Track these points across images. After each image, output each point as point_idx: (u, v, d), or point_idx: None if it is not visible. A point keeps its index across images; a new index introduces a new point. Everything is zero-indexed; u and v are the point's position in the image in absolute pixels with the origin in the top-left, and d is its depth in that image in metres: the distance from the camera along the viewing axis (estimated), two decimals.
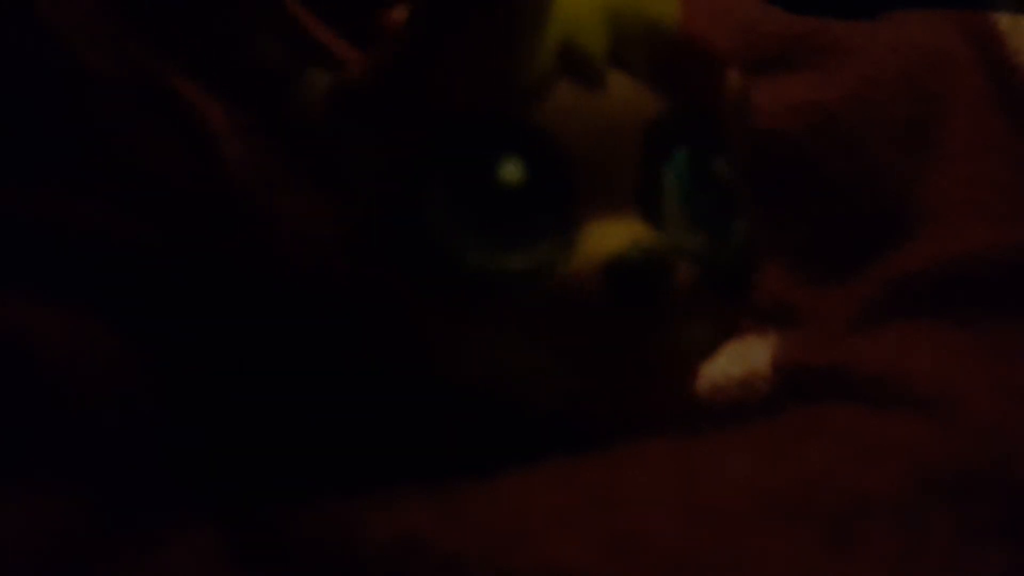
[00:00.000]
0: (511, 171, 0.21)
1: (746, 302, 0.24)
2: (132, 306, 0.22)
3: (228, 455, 0.22)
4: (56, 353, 0.21)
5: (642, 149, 0.22)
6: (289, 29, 0.24)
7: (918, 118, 0.37)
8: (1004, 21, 0.41)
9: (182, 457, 0.22)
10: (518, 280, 0.21)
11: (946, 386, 0.23)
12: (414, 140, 0.21)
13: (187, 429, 0.22)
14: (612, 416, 0.22)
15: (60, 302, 0.21)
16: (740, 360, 0.29)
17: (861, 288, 0.33)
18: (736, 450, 0.19)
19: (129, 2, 0.24)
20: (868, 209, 0.35)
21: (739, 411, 0.28)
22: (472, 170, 0.21)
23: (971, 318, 0.30)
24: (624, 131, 0.22)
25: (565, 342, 0.21)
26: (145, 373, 0.22)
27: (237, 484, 0.21)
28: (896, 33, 0.40)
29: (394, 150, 0.22)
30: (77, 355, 0.21)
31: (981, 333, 0.29)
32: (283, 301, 0.24)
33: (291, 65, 0.23)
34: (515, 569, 0.16)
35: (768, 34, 0.39)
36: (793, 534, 0.17)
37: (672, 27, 0.23)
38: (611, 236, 0.21)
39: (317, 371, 0.23)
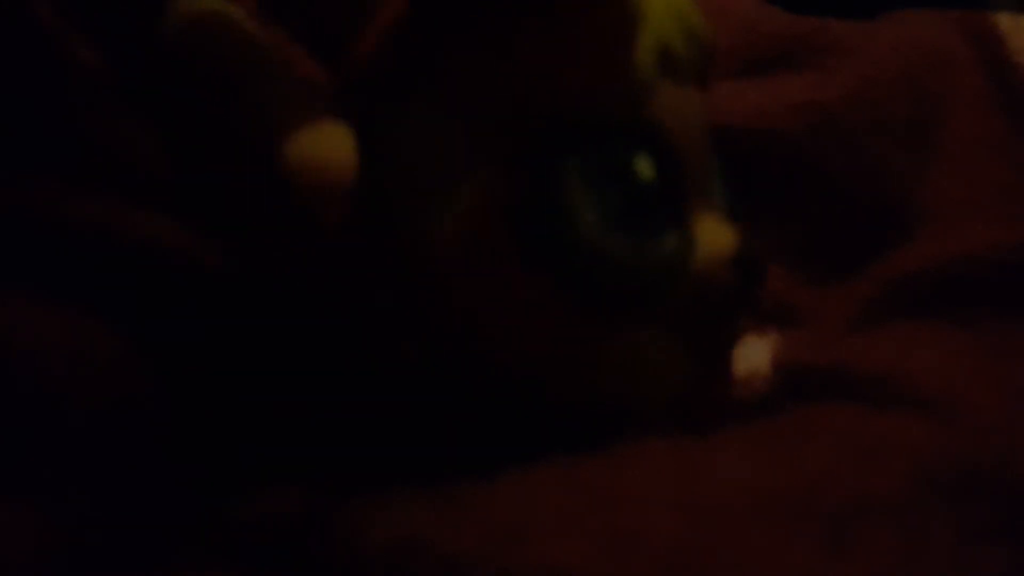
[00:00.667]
0: (645, 167, 0.21)
1: None
2: (132, 306, 0.22)
3: (228, 455, 0.22)
4: (56, 353, 0.21)
5: (709, 150, 0.23)
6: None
7: (918, 118, 0.37)
8: (1004, 21, 0.41)
9: (182, 457, 0.22)
10: (657, 273, 0.21)
11: (946, 386, 0.23)
12: (525, 135, 0.21)
13: (188, 429, 0.22)
14: (703, 408, 0.23)
15: (60, 302, 0.21)
16: (740, 360, 0.29)
17: (861, 288, 0.33)
18: (736, 450, 0.19)
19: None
20: (868, 209, 0.35)
21: (739, 411, 0.27)
22: (610, 167, 0.21)
23: (971, 318, 0.30)
24: (702, 132, 0.23)
25: (697, 333, 0.22)
26: (145, 373, 0.22)
27: (238, 484, 0.21)
28: (896, 33, 0.40)
29: (490, 144, 0.21)
30: (77, 356, 0.21)
31: (981, 333, 0.29)
32: (288, 302, 0.23)
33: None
34: (515, 569, 0.16)
35: (768, 34, 0.39)
36: (793, 534, 0.17)
37: (709, 37, 0.23)
38: (718, 231, 0.22)
39: (320, 372, 0.23)
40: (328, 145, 0.20)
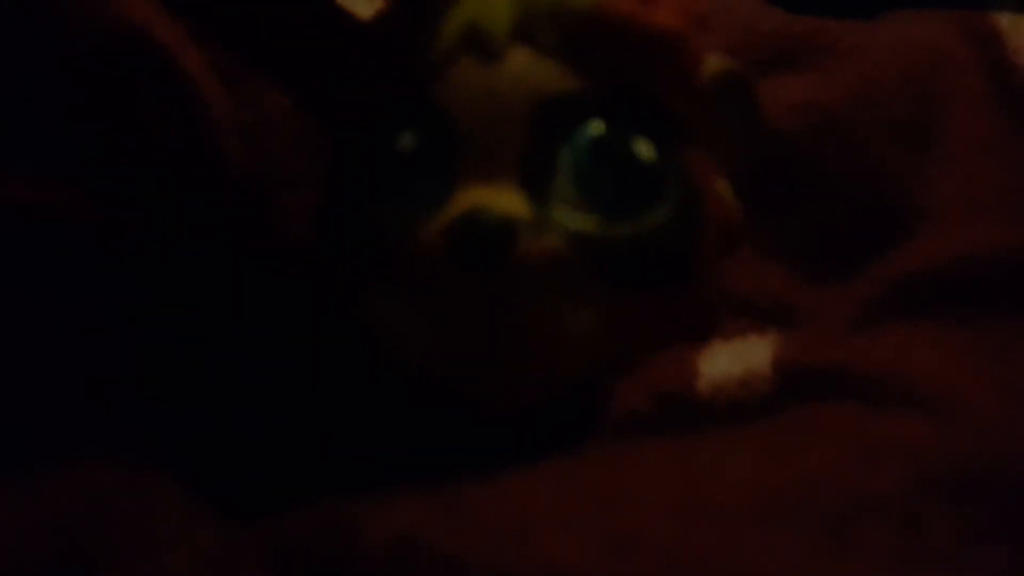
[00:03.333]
0: (406, 139, 0.23)
1: (681, 294, 0.23)
2: (132, 303, 0.22)
3: (228, 454, 0.22)
4: (55, 351, 0.21)
5: (532, 124, 0.22)
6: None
7: (918, 118, 0.37)
8: (1004, 21, 0.41)
9: (181, 457, 0.22)
10: (388, 238, 0.23)
11: (946, 386, 0.23)
12: (352, 117, 0.24)
13: (187, 428, 0.22)
14: (489, 390, 0.22)
15: (60, 299, 0.21)
16: (740, 360, 0.29)
17: (861, 288, 0.33)
18: (736, 450, 0.19)
19: None
20: (868, 209, 0.35)
21: (739, 411, 0.27)
22: (377, 142, 0.23)
23: (971, 318, 0.30)
24: (513, 105, 0.22)
25: (417, 300, 0.22)
26: (145, 372, 0.22)
27: (237, 484, 0.21)
28: (896, 33, 0.40)
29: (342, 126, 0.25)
30: (76, 353, 0.21)
31: (981, 333, 0.29)
32: (275, 285, 0.24)
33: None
34: (515, 569, 0.16)
35: (768, 34, 0.39)
36: (793, 534, 0.17)
37: (584, 6, 0.23)
38: (463, 202, 0.22)
39: (308, 363, 0.24)
40: None
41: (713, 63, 0.24)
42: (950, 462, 0.19)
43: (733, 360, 0.29)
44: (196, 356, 0.23)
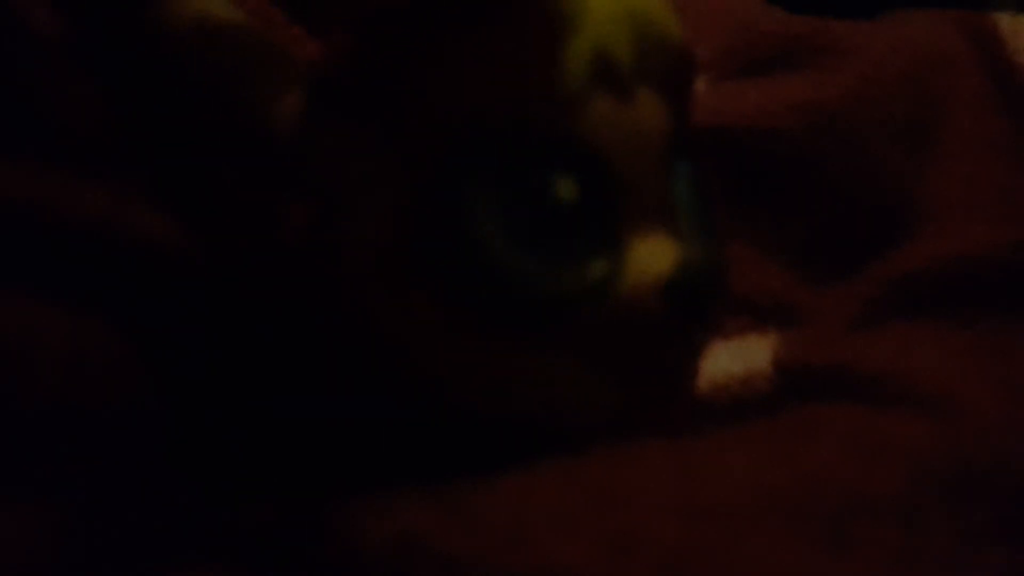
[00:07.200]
0: (565, 187, 0.20)
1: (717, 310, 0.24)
2: (127, 304, 0.22)
3: (228, 455, 0.22)
4: (58, 353, 0.21)
5: (664, 165, 0.22)
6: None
7: (918, 118, 0.37)
8: (1004, 21, 0.41)
9: (182, 457, 0.22)
10: (574, 300, 0.20)
11: (946, 386, 0.23)
12: (437, 148, 0.20)
13: (188, 429, 0.22)
14: (632, 421, 0.22)
15: (62, 301, 0.21)
16: (741, 359, 0.29)
17: (861, 288, 0.33)
18: (736, 450, 0.19)
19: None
20: (868, 209, 0.35)
21: (739, 410, 0.28)
22: (523, 185, 0.20)
23: (971, 318, 0.30)
24: (652, 145, 0.21)
25: (619, 360, 0.21)
26: (146, 374, 0.22)
27: (237, 484, 0.21)
28: (896, 33, 0.40)
29: (406, 156, 0.20)
30: (78, 355, 0.21)
31: (981, 333, 0.29)
32: (278, 305, 0.23)
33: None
34: (515, 569, 0.16)
35: (768, 34, 0.39)
36: (793, 534, 0.17)
37: (680, 41, 0.22)
38: (657, 254, 0.21)
39: (316, 381, 0.23)
40: None
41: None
42: (950, 462, 0.19)
43: (734, 359, 0.29)
44: (196, 355, 0.23)
